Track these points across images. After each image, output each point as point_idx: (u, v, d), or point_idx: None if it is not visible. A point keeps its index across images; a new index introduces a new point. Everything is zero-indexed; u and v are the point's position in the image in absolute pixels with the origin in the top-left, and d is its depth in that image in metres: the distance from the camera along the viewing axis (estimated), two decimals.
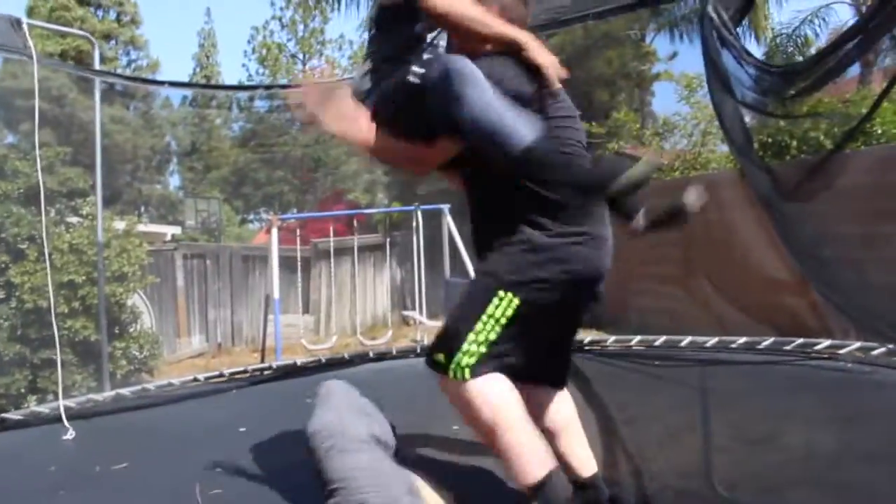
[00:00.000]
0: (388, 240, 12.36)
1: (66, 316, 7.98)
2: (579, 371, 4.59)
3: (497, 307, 2.26)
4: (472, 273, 8.91)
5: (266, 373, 5.05)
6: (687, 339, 4.71)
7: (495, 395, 2.25)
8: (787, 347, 4.39)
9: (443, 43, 2.51)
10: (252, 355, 11.27)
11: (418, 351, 5.37)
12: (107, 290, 7.89)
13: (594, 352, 4.89)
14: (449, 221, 9.08)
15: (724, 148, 10.30)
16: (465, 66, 2.17)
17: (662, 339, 4.78)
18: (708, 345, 4.66)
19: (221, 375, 4.90)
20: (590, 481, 2.55)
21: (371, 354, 5.30)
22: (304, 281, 11.62)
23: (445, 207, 9.19)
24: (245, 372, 5.05)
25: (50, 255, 7.95)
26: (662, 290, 10.12)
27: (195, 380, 4.83)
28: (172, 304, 12.27)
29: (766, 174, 4.91)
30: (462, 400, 2.26)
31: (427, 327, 10.43)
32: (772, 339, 4.52)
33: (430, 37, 2.50)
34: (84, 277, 8.17)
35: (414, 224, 9.84)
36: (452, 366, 2.23)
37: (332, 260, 10.81)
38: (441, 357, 2.27)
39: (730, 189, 7.46)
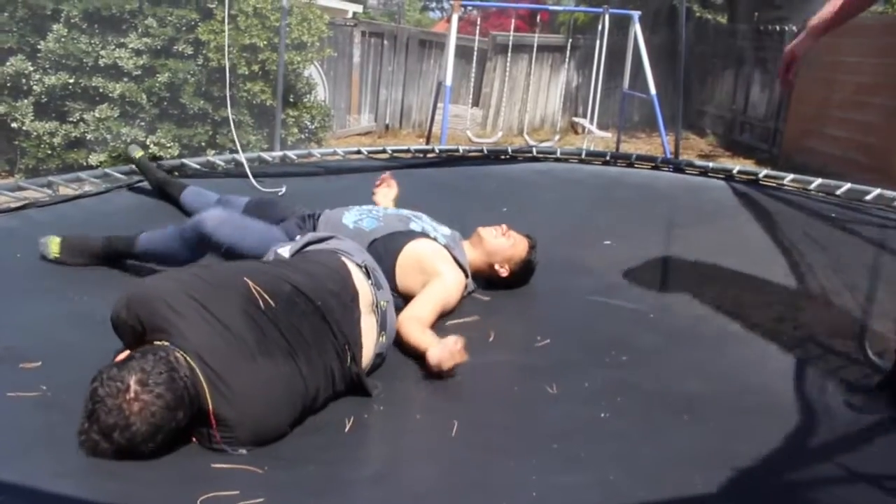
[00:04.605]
0: (569, 42, 11.81)
1: (245, 78, 8.22)
2: (752, 201, 4.33)
3: None
4: (652, 88, 8.52)
5: (429, 156, 5.04)
6: (875, 192, 4.26)
7: None
8: None
9: None
10: (417, 139, 11.37)
11: (583, 156, 5.17)
12: (285, 57, 8.02)
13: (769, 187, 4.56)
14: (637, 30, 8.54)
15: None
16: None
17: (847, 186, 4.35)
18: None
19: (384, 151, 4.93)
20: None
21: (535, 152, 5.16)
22: (477, 73, 11.41)
23: (636, 15, 8.63)
24: (408, 151, 5.05)
25: (234, 16, 8.09)
26: (856, 137, 9.32)
27: (358, 152, 4.87)
28: (347, 80, 12.39)
29: None
30: None
31: (595, 137, 10.15)
32: None
33: None
34: (265, 42, 8.31)
35: (599, 28, 9.34)
36: None
37: (508, 55, 10.48)
38: None
39: None
